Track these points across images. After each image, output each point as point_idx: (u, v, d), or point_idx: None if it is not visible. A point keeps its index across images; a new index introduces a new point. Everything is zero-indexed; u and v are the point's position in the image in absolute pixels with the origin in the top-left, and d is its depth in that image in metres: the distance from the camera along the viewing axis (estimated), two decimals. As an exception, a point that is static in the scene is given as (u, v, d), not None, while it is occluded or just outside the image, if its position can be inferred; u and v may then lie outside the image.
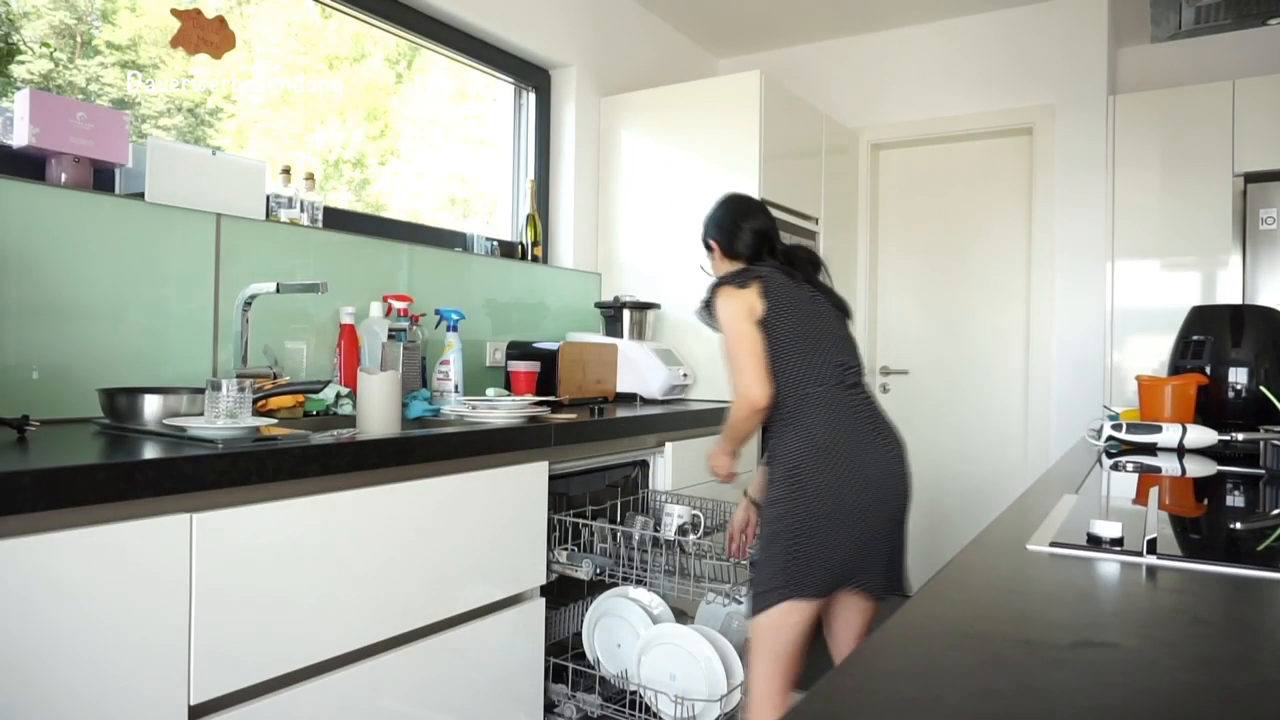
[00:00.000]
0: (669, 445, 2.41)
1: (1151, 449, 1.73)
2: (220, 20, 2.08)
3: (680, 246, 3.17)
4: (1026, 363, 3.61)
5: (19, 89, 1.81)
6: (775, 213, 3.14)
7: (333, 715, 1.44)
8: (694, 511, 1.94)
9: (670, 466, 2.41)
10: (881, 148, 3.96)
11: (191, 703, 1.23)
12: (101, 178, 1.87)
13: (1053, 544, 0.85)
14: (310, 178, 2.27)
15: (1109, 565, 0.79)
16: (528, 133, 3.28)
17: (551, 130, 3.32)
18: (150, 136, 1.97)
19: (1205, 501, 1.24)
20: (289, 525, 1.36)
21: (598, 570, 1.93)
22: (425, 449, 1.59)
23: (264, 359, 2.02)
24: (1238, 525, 1.05)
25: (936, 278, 3.87)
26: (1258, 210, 3.10)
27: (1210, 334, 1.99)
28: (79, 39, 2.04)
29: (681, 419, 2.48)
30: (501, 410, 1.97)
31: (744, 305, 1.79)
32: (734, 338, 1.77)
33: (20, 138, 1.71)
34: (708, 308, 1.86)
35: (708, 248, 2.01)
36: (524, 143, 3.28)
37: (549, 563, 1.95)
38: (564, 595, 2.23)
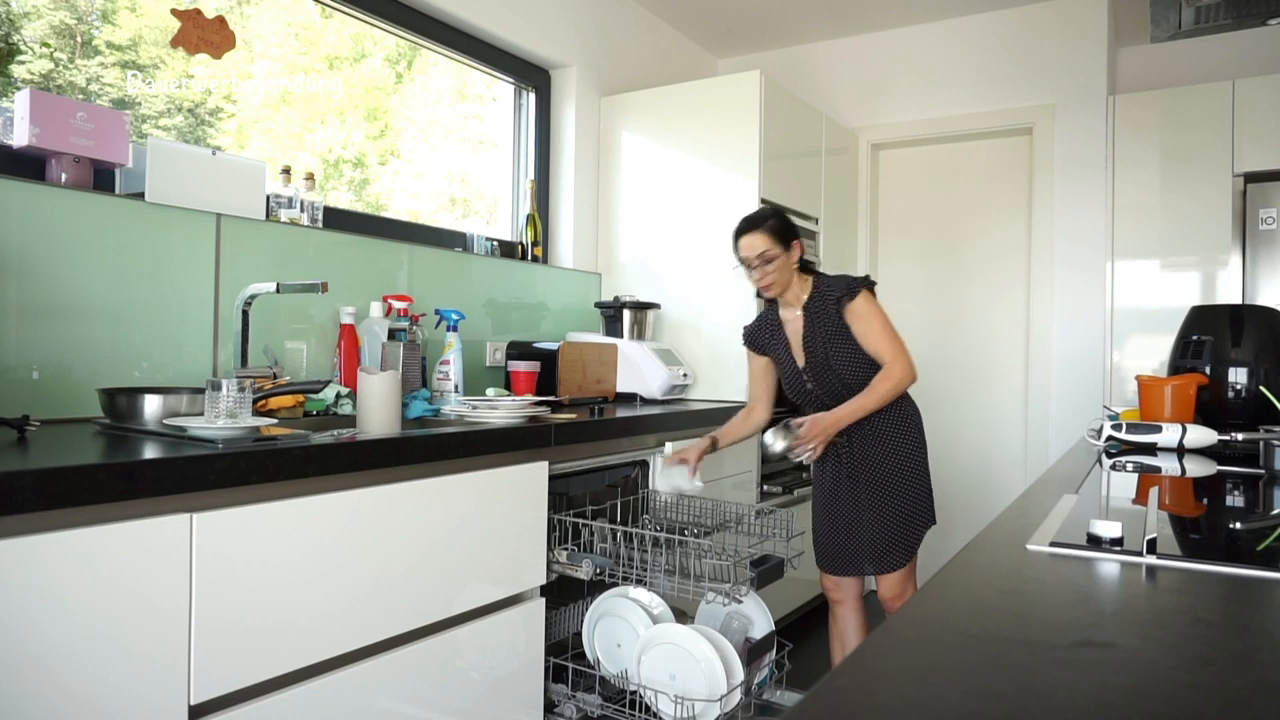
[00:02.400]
0: (669, 445, 2.41)
1: (1151, 449, 1.73)
2: (220, 20, 2.08)
3: (680, 246, 3.17)
4: (1026, 362, 3.61)
5: (19, 89, 1.81)
6: (775, 213, 3.16)
7: (333, 715, 1.44)
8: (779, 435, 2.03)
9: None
10: (881, 148, 3.96)
11: (191, 703, 1.23)
12: (101, 178, 1.87)
13: (1053, 544, 0.85)
14: (310, 178, 2.27)
15: (1109, 565, 0.79)
16: (528, 133, 3.28)
17: (551, 130, 3.32)
18: (150, 136, 1.97)
19: (1205, 501, 1.24)
20: (289, 525, 1.36)
21: (598, 570, 1.93)
22: (425, 449, 1.59)
23: (264, 359, 2.02)
24: (1237, 525, 1.05)
25: (936, 278, 3.86)
26: (1257, 210, 3.10)
27: (1210, 334, 2.00)
28: (79, 39, 2.04)
29: (681, 419, 2.48)
30: (501, 410, 1.97)
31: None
32: (891, 329, 2.15)
33: (20, 138, 1.71)
34: (848, 301, 2.13)
35: (786, 247, 2.19)
36: (524, 143, 3.27)
37: (549, 563, 1.95)
38: (564, 595, 2.23)
